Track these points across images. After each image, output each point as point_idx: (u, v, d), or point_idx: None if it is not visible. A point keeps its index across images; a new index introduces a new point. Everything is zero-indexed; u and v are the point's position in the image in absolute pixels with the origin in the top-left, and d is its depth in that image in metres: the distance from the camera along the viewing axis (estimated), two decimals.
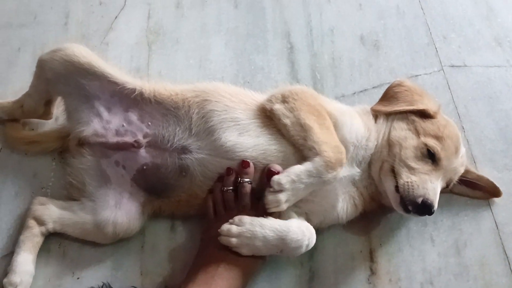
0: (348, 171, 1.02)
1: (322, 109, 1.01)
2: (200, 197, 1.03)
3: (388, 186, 1.01)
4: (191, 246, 1.06)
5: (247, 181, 0.99)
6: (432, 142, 1.00)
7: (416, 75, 1.32)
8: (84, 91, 1.04)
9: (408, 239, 1.10)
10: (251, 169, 0.98)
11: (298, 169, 0.93)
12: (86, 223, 1.02)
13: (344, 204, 1.03)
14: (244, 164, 0.98)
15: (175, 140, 1.01)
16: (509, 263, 1.07)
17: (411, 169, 0.98)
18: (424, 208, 0.96)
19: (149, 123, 1.04)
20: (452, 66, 1.34)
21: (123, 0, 1.45)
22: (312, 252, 1.06)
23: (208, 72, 1.33)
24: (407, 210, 0.97)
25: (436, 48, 1.37)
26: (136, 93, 1.04)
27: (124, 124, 1.04)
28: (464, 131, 1.23)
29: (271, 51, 1.37)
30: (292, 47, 1.38)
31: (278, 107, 1.00)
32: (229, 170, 1.00)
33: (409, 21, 1.42)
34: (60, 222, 1.04)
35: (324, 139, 0.95)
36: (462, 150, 1.04)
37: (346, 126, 1.03)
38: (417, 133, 1.02)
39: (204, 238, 1.02)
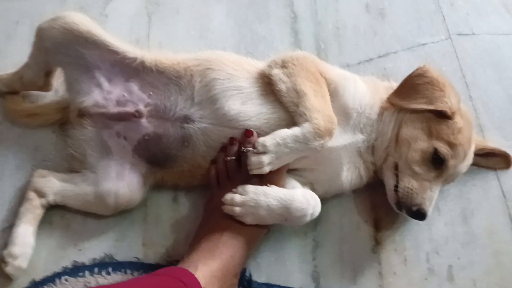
0: (351, 138, 1.00)
1: (320, 77, 0.99)
2: (203, 167, 1.02)
3: (388, 183, 1.01)
4: (194, 217, 1.05)
5: (251, 150, 0.97)
6: (443, 149, 0.96)
7: (423, 44, 1.30)
8: (84, 60, 1.02)
9: None
10: (255, 138, 0.96)
11: (285, 133, 0.91)
12: (87, 194, 1.01)
13: (349, 174, 1.01)
14: (247, 133, 0.97)
15: (177, 110, 1.00)
16: None
17: (414, 173, 0.97)
18: (416, 215, 0.97)
19: (151, 93, 1.02)
20: (460, 34, 1.31)
21: None
22: (316, 222, 1.06)
23: (209, 42, 1.30)
24: (400, 210, 0.99)
25: (443, 15, 1.33)
26: (137, 62, 1.02)
27: (125, 94, 1.02)
28: (472, 100, 1.21)
29: (273, 20, 1.34)
30: (296, 16, 1.35)
31: (277, 72, 0.99)
32: (232, 139, 0.98)
33: None
34: (61, 194, 1.03)
35: (317, 106, 0.93)
36: (471, 152, 1.01)
37: (349, 92, 1.00)
38: (430, 135, 0.98)
39: (207, 208, 1.02)
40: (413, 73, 1.02)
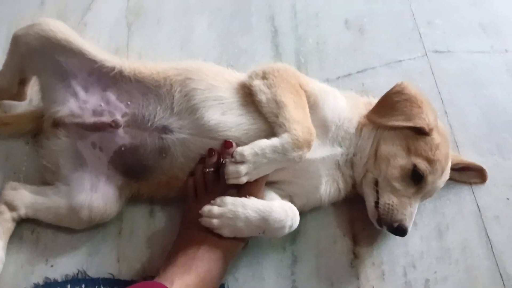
0: (329, 150, 1.01)
1: (300, 89, 0.99)
2: (180, 179, 1.01)
3: (369, 199, 1.01)
4: (171, 232, 1.03)
5: (229, 161, 0.96)
6: (422, 165, 0.97)
7: (400, 60, 1.31)
8: (61, 68, 1.00)
9: None
10: (234, 149, 0.95)
11: (264, 143, 0.91)
12: (60, 207, 0.99)
13: (327, 187, 1.01)
14: (226, 144, 0.96)
15: (156, 120, 0.98)
16: (491, 246, 1.07)
17: (394, 189, 0.98)
18: (397, 231, 0.97)
19: (128, 102, 1.00)
20: (436, 51, 1.33)
21: None
22: (294, 236, 1.05)
23: (191, 53, 1.29)
24: (381, 227, 0.99)
25: (420, 33, 1.36)
26: (115, 71, 1.01)
27: (102, 104, 1.01)
28: (447, 116, 1.22)
29: (255, 34, 1.34)
30: (276, 31, 1.35)
31: (257, 82, 0.99)
32: (211, 150, 0.97)
33: (394, 6, 1.40)
34: (33, 207, 1.00)
35: (297, 117, 0.93)
36: (448, 168, 1.02)
37: (328, 105, 1.01)
38: (408, 151, 0.98)
39: (184, 221, 1.00)
40: (391, 90, 1.03)
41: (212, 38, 1.33)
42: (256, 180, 0.95)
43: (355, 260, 1.05)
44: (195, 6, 1.38)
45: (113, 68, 1.01)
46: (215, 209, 0.91)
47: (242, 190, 0.95)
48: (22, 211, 1.00)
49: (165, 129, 0.98)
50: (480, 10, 1.41)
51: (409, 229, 0.97)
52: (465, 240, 1.08)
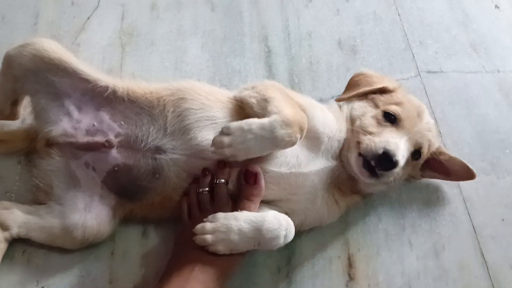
0: (324, 163, 1.00)
1: (288, 94, 1.00)
2: (174, 200, 1.00)
3: (352, 156, 0.98)
4: (164, 252, 1.01)
5: (223, 182, 0.96)
6: (392, 107, 1.00)
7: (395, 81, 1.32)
8: (54, 88, 0.99)
9: (386, 242, 1.09)
10: (228, 169, 0.95)
11: (252, 120, 0.90)
12: (53, 227, 0.97)
13: (323, 201, 1.00)
14: (220, 164, 0.95)
15: (149, 140, 0.98)
16: (487, 266, 1.07)
17: (372, 134, 0.97)
18: (386, 159, 0.92)
19: (122, 123, 1.00)
20: (429, 71, 1.35)
21: (96, 1, 1.40)
22: (289, 257, 1.04)
23: (184, 74, 1.29)
24: (371, 170, 0.94)
25: (413, 54, 1.37)
26: (108, 91, 1.00)
27: (95, 124, 1.00)
28: (441, 135, 1.23)
29: (248, 55, 1.35)
30: (270, 51, 1.36)
31: (247, 92, 1.00)
32: (205, 170, 0.97)
33: (386, 27, 1.42)
34: (26, 227, 0.98)
35: (287, 105, 0.93)
36: (427, 117, 1.03)
37: (318, 117, 1.01)
38: (376, 106, 1.03)
39: (178, 242, 0.99)
40: (352, 76, 1.14)
41: (205, 59, 1.33)
42: (250, 200, 0.94)
43: (350, 281, 1.04)
44: (188, 27, 1.38)
45: (106, 88, 1.00)
46: (208, 225, 0.90)
47: (236, 210, 0.93)
48: (15, 231, 0.98)
49: (158, 150, 0.97)
50: (471, 30, 1.44)
51: (398, 157, 0.93)
52: (461, 260, 1.07)
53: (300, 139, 0.91)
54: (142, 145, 0.98)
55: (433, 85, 1.32)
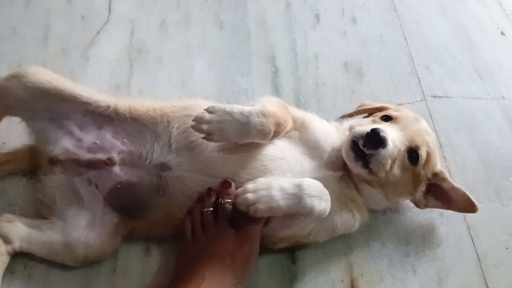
0: (329, 172, 1.00)
1: (287, 109, 1.01)
2: (178, 217, 0.99)
3: (344, 144, 0.98)
4: (166, 271, 1.00)
5: (228, 202, 0.95)
6: (387, 112, 1.05)
7: (399, 104, 1.32)
8: (52, 113, 0.99)
9: (389, 268, 1.08)
10: (233, 189, 0.95)
11: (236, 105, 0.93)
12: (55, 243, 0.97)
13: (337, 209, 0.98)
14: (225, 184, 0.95)
15: (154, 157, 0.97)
16: None
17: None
18: (373, 136, 0.92)
19: (125, 140, 1.00)
20: (434, 96, 1.35)
21: (106, 16, 1.42)
22: (291, 281, 1.03)
23: (191, 92, 1.30)
24: (359, 154, 0.94)
25: (418, 78, 1.38)
26: (110, 109, 1.01)
27: (97, 142, 1.00)
28: (446, 161, 1.23)
29: (255, 74, 1.36)
30: (277, 71, 1.37)
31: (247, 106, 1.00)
32: (209, 190, 0.96)
33: (392, 51, 1.43)
34: (28, 241, 0.98)
35: (275, 106, 0.95)
36: (425, 124, 1.03)
37: (318, 128, 1.02)
38: (374, 121, 1.05)
39: (180, 261, 0.97)
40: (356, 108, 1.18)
41: (212, 77, 1.34)
42: (254, 222, 0.94)
43: None
44: (196, 45, 1.39)
45: (108, 107, 1.00)
46: (249, 184, 0.91)
47: (241, 230, 0.94)
48: (17, 245, 0.97)
49: (163, 167, 0.97)
50: (476, 57, 1.45)
51: (387, 136, 0.92)
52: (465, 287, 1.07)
53: (276, 135, 0.94)
54: (147, 162, 0.97)
55: (438, 110, 1.32)
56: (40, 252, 0.98)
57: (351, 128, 1.03)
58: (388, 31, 1.47)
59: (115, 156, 0.98)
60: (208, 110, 0.92)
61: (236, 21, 1.45)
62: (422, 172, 1.00)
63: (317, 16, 1.48)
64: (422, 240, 1.12)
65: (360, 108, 1.15)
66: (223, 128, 0.91)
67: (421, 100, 1.34)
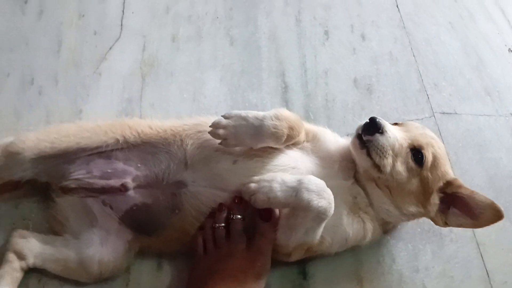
0: (341, 181, 1.01)
1: (299, 120, 1.02)
2: (190, 234, 1.00)
3: (351, 139, 1.01)
4: (178, 286, 1.02)
5: (240, 218, 0.96)
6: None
7: (408, 121, 1.34)
8: (56, 166, 1.01)
9: (400, 284, 1.08)
10: (244, 204, 0.96)
11: (251, 111, 0.97)
12: (69, 261, 0.98)
13: (349, 218, 0.99)
14: (236, 199, 0.96)
15: (170, 176, 0.98)
16: None
17: None
18: (370, 122, 0.97)
19: (139, 165, 1.00)
20: (443, 113, 1.36)
21: (118, 31, 1.44)
22: None
23: (202, 106, 1.32)
24: (360, 140, 0.97)
25: (427, 95, 1.39)
26: (120, 143, 1.01)
27: (109, 170, 1.00)
28: None
29: (265, 89, 1.37)
30: (287, 87, 1.38)
31: None
32: (221, 205, 0.97)
33: (401, 68, 1.44)
34: (42, 258, 0.99)
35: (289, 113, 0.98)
36: (431, 132, 1.05)
37: (329, 140, 1.05)
38: None
39: (192, 276, 0.98)
40: None
41: (223, 92, 1.35)
42: (264, 236, 0.94)
43: None
44: (208, 60, 1.41)
45: (117, 142, 1.01)
46: (255, 177, 0.94)
47: (252, 246, 0.95)
48: (31, 261, 0.98)
49: (179, 184, 0.98)
50: (484, 75, 1.45)
51: (382, 122, 0.97)
52: None
53: (289, 140, 0.97)
54: (164, 182, 0.98)
55: (447, 127, 1.33)
56: (54, 269, 0.99)
57: None
58: (397, 48, 1.48)
59: (129, 182, 0.99)
60: (225, 116, 0.96)
61: (247, 36, 1.47)
62: (430, 176, 0.98)
63: (326, 33, 1.50)
64: (432, 256, 1.13)
65: None
66: (238, 133, 0.95)
67: (430, 117, 1.35)
